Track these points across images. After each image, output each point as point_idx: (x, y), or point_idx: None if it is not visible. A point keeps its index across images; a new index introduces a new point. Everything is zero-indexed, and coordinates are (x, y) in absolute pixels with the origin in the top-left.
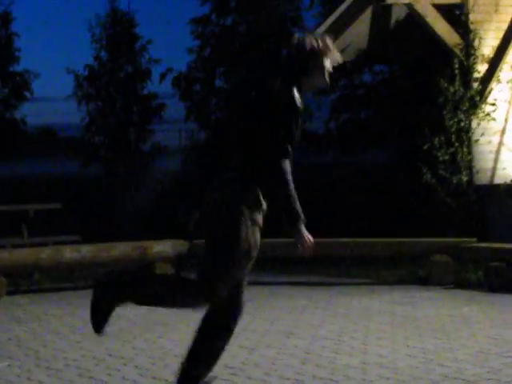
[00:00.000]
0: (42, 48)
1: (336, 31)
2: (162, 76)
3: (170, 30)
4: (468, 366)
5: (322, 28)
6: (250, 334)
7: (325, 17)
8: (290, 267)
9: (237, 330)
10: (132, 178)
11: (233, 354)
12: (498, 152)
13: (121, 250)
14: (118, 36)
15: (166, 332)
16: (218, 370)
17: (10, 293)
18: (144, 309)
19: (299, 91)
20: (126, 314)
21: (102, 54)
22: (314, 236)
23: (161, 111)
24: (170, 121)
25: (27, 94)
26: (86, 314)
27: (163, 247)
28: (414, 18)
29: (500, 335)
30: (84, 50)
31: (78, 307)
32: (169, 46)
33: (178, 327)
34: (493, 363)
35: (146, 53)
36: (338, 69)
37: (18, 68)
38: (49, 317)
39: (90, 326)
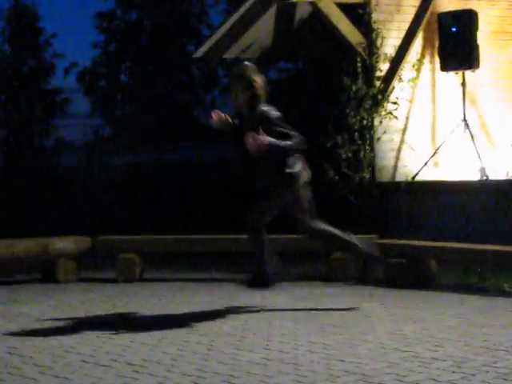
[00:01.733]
0: None
1: (241, 29)
2: (67, 71)
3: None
4: (367, 360)
5: (227, 25)
6: (153, 331)
7: (230, 14)
8: (193, 263)
9: (136, 327)
10: (34, 174)
11: (134, 351)
12: (399, 150)
13: (22, 246)
14: (21, 29)
15: (68, 329)
16: (120, 366)
17: None
18: (45, 308)
19: None
20: (30, 311)
21: (5, 47)
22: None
23: (65, 106)
24: (75, 116)
25: None
26: None
27: (65, 244)
28: (317, 17)
29: (399, 330)
30: None
31: None
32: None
33: (82, 327)
34: (391, 358)
35: (50, 47)
36: None
37: None
38: None
39: None
